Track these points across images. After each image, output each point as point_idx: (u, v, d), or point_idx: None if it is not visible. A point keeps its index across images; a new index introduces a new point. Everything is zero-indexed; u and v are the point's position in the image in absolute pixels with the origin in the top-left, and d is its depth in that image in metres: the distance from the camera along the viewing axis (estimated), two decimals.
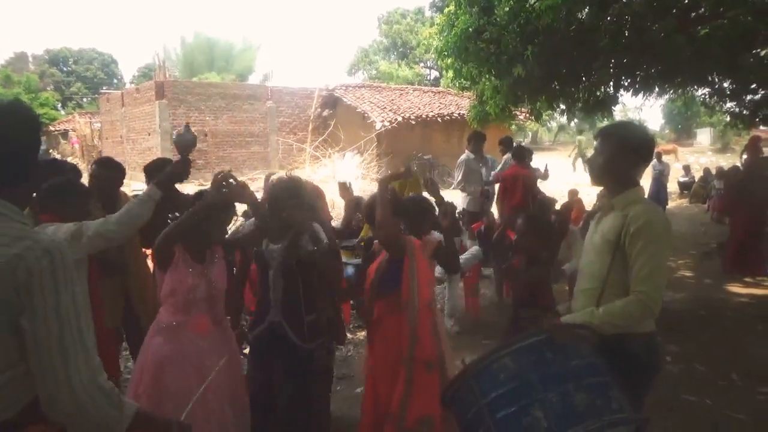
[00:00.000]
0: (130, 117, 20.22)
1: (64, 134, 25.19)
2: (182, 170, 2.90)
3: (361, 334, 5.48)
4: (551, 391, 1.92)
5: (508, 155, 8.50)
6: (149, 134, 18.74)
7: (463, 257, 5.08)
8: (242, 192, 3.06)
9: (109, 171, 4.01)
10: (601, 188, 2.57)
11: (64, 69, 42.87)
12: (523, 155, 7.71)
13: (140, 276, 4.03)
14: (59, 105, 36.51)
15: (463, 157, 8.26)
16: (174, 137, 3.19)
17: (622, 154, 2.37)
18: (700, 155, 26.99)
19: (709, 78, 7.00)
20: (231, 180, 2.98)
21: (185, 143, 3.00)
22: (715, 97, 7.98)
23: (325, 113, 20.54)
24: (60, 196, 2.96)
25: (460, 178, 8.17)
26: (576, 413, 1.88)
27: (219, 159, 18.56)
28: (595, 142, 2.50)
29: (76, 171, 4.13)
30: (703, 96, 8.24)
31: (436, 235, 3.53)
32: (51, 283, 1.42)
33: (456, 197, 7.55)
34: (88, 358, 1.48)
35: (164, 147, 17.01)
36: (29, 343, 1.41)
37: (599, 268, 2.35)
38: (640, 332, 2.28)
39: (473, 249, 5.92)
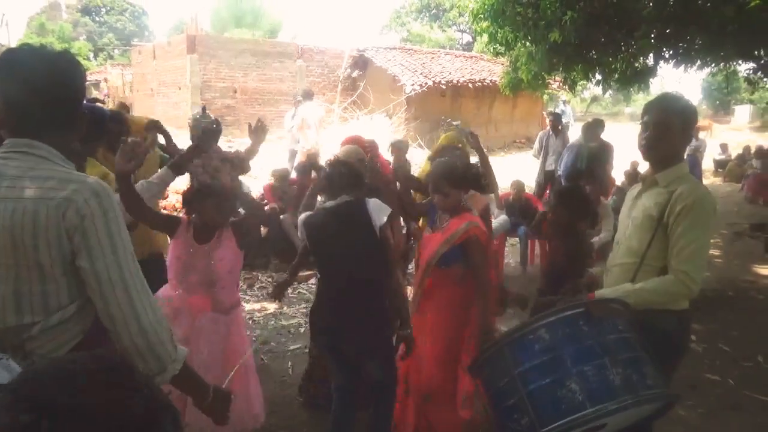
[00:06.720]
0: (162, 70, 20.21)
1: (96, 84, 25.35)
2: (193, 156, 2.91)
3: None
4: (587, 365, 1.91)
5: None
6: (180, 88, 18.75)
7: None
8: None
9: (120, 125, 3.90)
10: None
11: (97, 19, 42.87)
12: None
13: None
14: (91, 55, 36.66)
15: (542, 133, 9.94)
16: (191, 122, 3.17)
17: (675, 128, 2.29)
18: (737, 133, 26.21)
19: (756, 53, 6.74)
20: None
21: (200, 128, 3.08)
22: (760, 73, 7.70)
23: (355, 74, 20.29)
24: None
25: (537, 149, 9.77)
26: (612, 388, 1.87)
27: (248, 116, 18.50)
28: (645, 116, 2.39)
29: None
30: (748, 72, 7.96)
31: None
32: (103, 224, 1.43)
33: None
34: (148, 295, 1.50)
35: (194, 101, 17.03)
36: (92, 284, 1.43)
37: (638, 244, 2.30)
38: (673, 309, 2.25)
39: (501, 218, 5.89)
